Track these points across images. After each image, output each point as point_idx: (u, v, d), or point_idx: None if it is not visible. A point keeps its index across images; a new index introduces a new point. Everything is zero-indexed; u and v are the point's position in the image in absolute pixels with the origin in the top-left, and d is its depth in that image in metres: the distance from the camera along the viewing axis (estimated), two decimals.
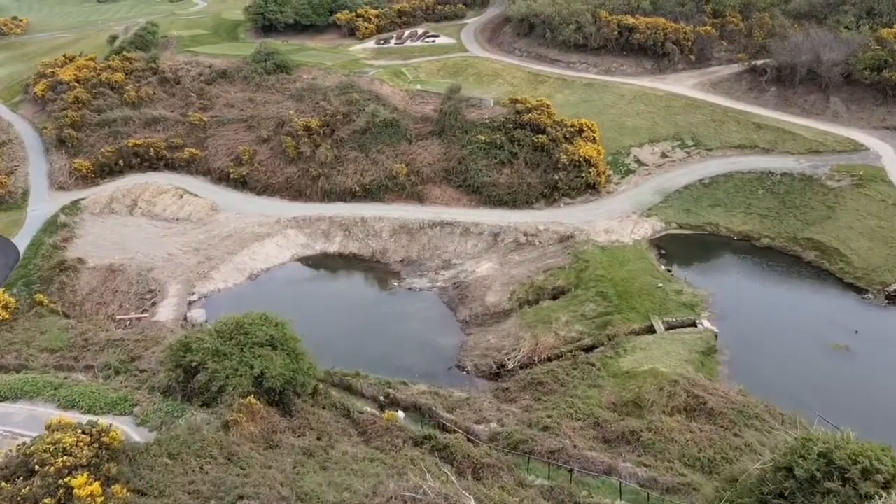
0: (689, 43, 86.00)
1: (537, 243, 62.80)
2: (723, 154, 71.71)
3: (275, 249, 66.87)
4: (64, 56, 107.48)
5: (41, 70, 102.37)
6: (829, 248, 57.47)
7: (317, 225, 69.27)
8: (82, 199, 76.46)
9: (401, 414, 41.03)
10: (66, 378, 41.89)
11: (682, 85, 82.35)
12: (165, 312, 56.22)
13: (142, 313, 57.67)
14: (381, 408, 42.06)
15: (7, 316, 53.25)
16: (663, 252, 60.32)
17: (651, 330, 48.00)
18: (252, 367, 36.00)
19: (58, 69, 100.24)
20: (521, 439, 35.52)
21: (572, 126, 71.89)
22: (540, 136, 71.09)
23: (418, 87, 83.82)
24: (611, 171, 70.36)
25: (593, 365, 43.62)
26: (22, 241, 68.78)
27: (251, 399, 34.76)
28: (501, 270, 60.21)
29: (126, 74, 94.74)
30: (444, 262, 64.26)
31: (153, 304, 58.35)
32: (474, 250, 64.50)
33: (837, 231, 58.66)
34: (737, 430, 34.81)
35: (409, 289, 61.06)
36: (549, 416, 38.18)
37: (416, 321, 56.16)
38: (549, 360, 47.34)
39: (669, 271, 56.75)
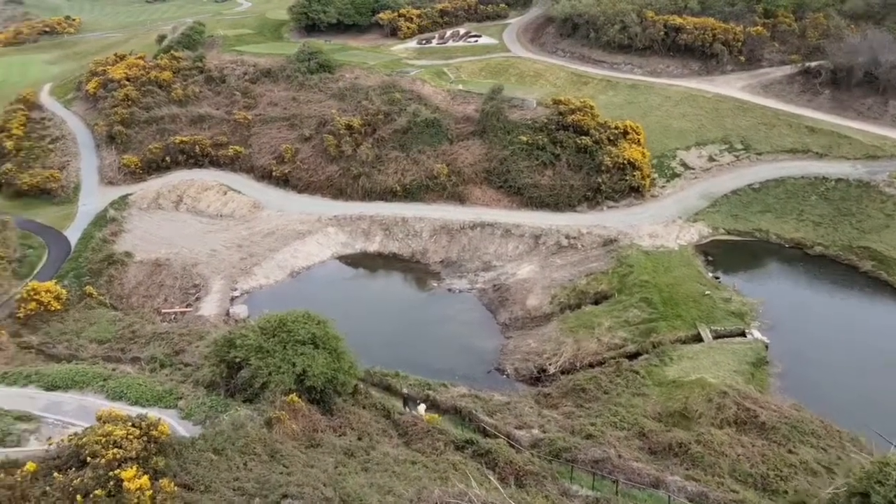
0: (739, 44, 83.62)
1: (579, 247, 61.78)
2: (774, 158, 69.48)
3: (315, 247, 67.29)
4: (115, 55, 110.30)
5: (93, 68, 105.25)
6: (887, 257, 55.09)
7: (357, 224, 69.48)
8: (130, 194, 78.25)
9: (422, 407, 40.91)
10: (114, 369, 42.78)
11: (731, 87, 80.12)
12: (209, 307, 57.03)
13: (186, 307, 58.62)
14: (404, 402, 42.14)
15: (59, 307, 54.66)
16: (710, 258, 58.65)
17: (698, 338, 46.63)
18: (294, 365, 36.08)
19: (109, 67, 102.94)
20: (564, 447, 34.79)
21: (616, 128, 70.61)
22: (583, 137, 70.00)
23: (460, 87, 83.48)
24: (656, 175, 68.83)
25: (637, 373, 42.56)
26: (73, 234, 70.67)
27: (293, 397, 34.85)
28: (542, 273, 59.39)
29: (173, 73, 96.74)
30: (484, 264, 63.74)
31: (197, 299, 59.25)
32: (515, 252, 63.80)
33: None
34: (791, 446, 33.42)
35: (449, 290, 60.70)
36: (592, 424, 37.36)
37: (456, 323, 55.77)
38: (592, 366, 46.42)
39: (717, 278, 55.14)
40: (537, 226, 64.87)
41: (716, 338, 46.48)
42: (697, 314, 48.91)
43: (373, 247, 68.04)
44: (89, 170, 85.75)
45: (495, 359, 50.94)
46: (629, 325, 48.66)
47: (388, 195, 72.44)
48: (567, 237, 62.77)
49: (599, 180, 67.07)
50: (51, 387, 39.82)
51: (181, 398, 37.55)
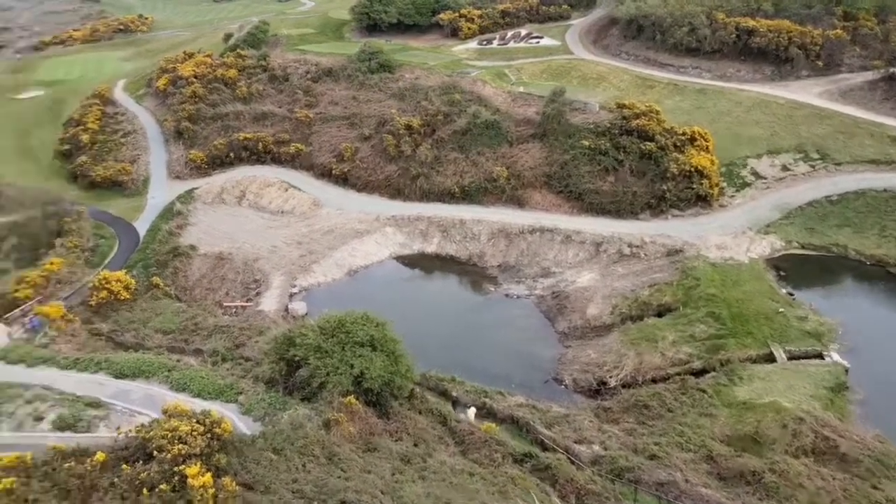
0: (817, 48, 79.68)
1: (642, 256, 59.90)
2: (853, 169, 65.79)
3: (373, 247, 67.48)
4: (184, 53, 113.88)
5: (163, 65, 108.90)
6: None
7: (415, 224, 69.34)
8: (196, 188, 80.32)
9: (472, 411, 40.25)
10: (178, 361, 43.75)
11: (807, 93, 76.37)
12: (268, 303, 57.81)
13: (246, 302, 59.60)
14: (453, 404, 41.88)
15: (128, 296, 56.35)
16: (783, 273, 55.83)
17: (770, 358, 44.34)
18: (352, 367, 36.02)
19: (178, 65, 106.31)
20: (627, 466, 33.51)
21: (683, 134, 68.24)
22: (648, 143, 67.94)
23: (521, 88, 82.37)
24: (724, 184, 66.12)
25: (704, 391, 40.72)
26: (141, 226, 72.93)
27: (350, 399, 34.76)
28: (603, 282, 57.82)
29: (239, 71, 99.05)
30: (542, 270, 62.58)
31: (257, 294, 60.19)
32: (575, 259, 62.40)
33: None
34: (875, 481, 31.22)
35: (506, 295, 59.80)
36: (656, 444, 35.90)
37: (513, 329, 54.86)
38: (654, 381, 44.78)
39: (791, 295, 52.38)
40: (598, 233, 63.27)
41: (790, 358, 44.09)
42: (770, 332, 46.54)
43: (430, 248, 67.77)
44: (158, 164, 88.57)
45: (553, 368, 49.79)
46: (695, 341, 46.71)
47: (446, 196, 72.04)
48: (629, 246, 60.96)
49: (664, 188, 64.90)
50: (119, 375, 41.05)
51: (241, 393, 38.06)
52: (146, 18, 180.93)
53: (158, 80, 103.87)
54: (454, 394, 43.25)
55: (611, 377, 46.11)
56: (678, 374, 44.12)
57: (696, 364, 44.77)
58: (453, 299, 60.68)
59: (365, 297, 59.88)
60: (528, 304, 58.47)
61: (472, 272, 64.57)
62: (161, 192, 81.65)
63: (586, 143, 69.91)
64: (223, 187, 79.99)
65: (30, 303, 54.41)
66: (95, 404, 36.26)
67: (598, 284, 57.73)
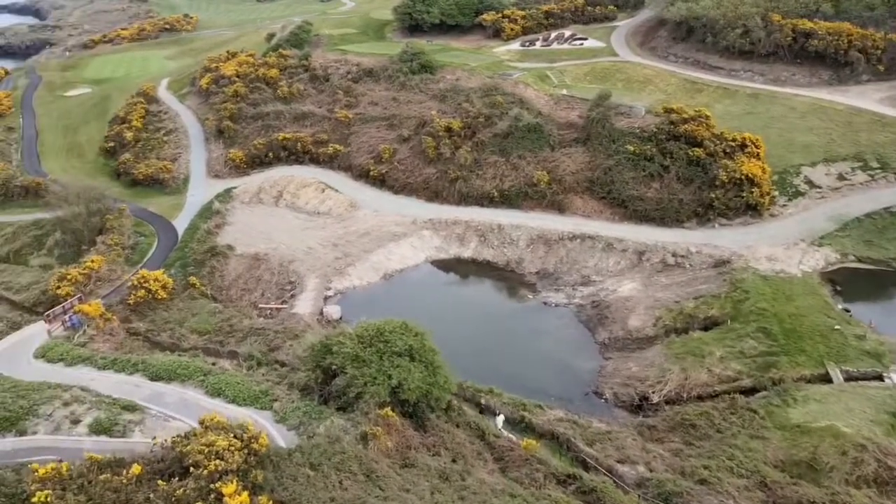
0: (879, 52, 75.93)
1: (687, 266, 57.69)
2: None
3: (409, 250, 66.62)
4: (227, 52, 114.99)
5: (206, 64, 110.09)
6: None
7: (452, 228, 68.24)
8: (234, 187, 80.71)
9: (500, 418, 38.96)
10: (213, 364, 43.53)
11: (868, 99, 72.78)
12: (303, 305, 57.38)
13: (281, 304, 59.33)
14: (480, 411, 40.68)
15: (166, 296, 56.57)
16: (839, 288, 53.03)
17: (826, 379, 41.95)
18: (390, 377, 35.10)
19: (221, 64, 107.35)
20: (675, 491, 31.83)
21: (734, 140, 65.60)
22: (696, 149, 65.56)
23: (564, 91, 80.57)
24: (776, 192, 63.29)
25: (756, 412, 38.63)
26: (181, 224, 73.50)
27: (388, 411, 33.82)
28: (646, 292, 55.83)
29: (280, 71, 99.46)
30: (582, 278, 60.85)
31: (292, 296, 59.87)
32: (616, 268, 60.49)
33: None
34: None
35: (545, 303, 58.26)
36: (705, 468, 34.07)
37: (551, 338, 53.35)
38: (700, 398, 42.81)
39: (847, 311, 49.64)
40: (641, 241, 61.22)
41: (847, 380, 41.65)
42: (825, 351, 44.07)
43: (467, 253, 66.59)
44: (198, 162, 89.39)
45: (593, 380, 48.15)
46: (744, 357, 44.51)
47: (485, 200, 70.77)
48: (674, 255, 58.80)
49: (712, 196, 62.47)
50: (155, 377, 40.97)
51: (276, 400, 37.51)
52: (191, 18, 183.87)
53: (201, 79, 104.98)
54: (482, 401, 41.99)
55: (653, 392, 44.26)
56: (726, 392, 42.03)
57: (746, 382, 42.63)
58: (490, 306, 59.38)
59: (400, 302, 59.15)
60: (566, 313, 56.84)
61: (509, 278, 63.18)
62: (200, 190, 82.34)
63: (631, 148, 67.83)
64: (261, 187, 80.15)
65: (70, 300, 55.03)
66: (131, 407, 36.12)
67: (641, 294, 55.75)
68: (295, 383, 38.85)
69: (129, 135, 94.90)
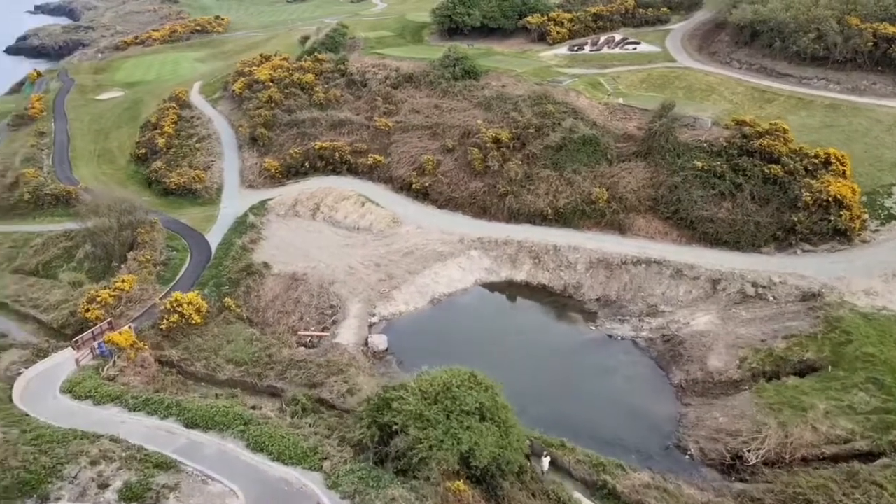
0: None
1: (770, 298, 52.09)
2: None
3: (457, 272, 61.94)
4: (260, 55, 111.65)
5: (239, 68, 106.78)
6: None
7: (503, 249, 63.41)
8: (269, 199, 76.87)
9: (546, 461, 34.18)
10: (253, 408, 39.29)
11: None
12: (346, 334, 52.99)
13: (322, 331, 55.08)
14: (527, 455, 35.62)
15: (200, 321, 52.71)
16: None
17: None
18: (459, 441, 30.42)
19: (254, 68, 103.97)
20: None
21: (816, 156, 59.78)
22: (772, 166, 59.88)
23: (620, 100, 75.19)
24: (866, 215, 57.32)
25: (882, 487, 33.13)
26: (214, 238, 69.83)
27: (459, 484, 29.13)
28: (724, 327, 50.37)
29: (316, 75, 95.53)
30: (649, 308, 55.59)
31: (334, 322, 55.55)
32: (687, 297, 55.09)
33: None
34: None
35: (609, 335, 53.14)
36: None
37: (620, 378, 48.26)
38: (805, 460, 37.44)
39: None
40: (715, 268, 55.73)
41: None
42: None
43: (520, 276, 61.73)
44: (231, 171, 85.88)
45: (672, 430, 42.98)
46: (855, 414, 38.97)
47: (537, 218, 65.84)
48: (754, 285, 53.22)
49: (794, 218, 56.73)
50: (191, 423, 36.99)
51: (326, 458, 33.06)
52: (222, 20, 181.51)
53: (234, 84, 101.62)
54: (528, 441, 37.06)
55: (749, 451, 38.90)
56: (837, 455, 36.56)
57: (861, 444, 37.10)
58: (548, 337, 54.35)
59: (450, 332, 54.57)
60: (634, 348, 51.64)
61: (567, 305, 58.19)
62: (234, 201, 78.74)
63: (699, 163, 62.35)
64: (297, 199, 76.19)
65: (100, 325, 51.47)
66: (165, 465, 31.97)
67: (719, 330, 50.30)
68: (347, 438, 34.34)
69: (161, 141, 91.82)
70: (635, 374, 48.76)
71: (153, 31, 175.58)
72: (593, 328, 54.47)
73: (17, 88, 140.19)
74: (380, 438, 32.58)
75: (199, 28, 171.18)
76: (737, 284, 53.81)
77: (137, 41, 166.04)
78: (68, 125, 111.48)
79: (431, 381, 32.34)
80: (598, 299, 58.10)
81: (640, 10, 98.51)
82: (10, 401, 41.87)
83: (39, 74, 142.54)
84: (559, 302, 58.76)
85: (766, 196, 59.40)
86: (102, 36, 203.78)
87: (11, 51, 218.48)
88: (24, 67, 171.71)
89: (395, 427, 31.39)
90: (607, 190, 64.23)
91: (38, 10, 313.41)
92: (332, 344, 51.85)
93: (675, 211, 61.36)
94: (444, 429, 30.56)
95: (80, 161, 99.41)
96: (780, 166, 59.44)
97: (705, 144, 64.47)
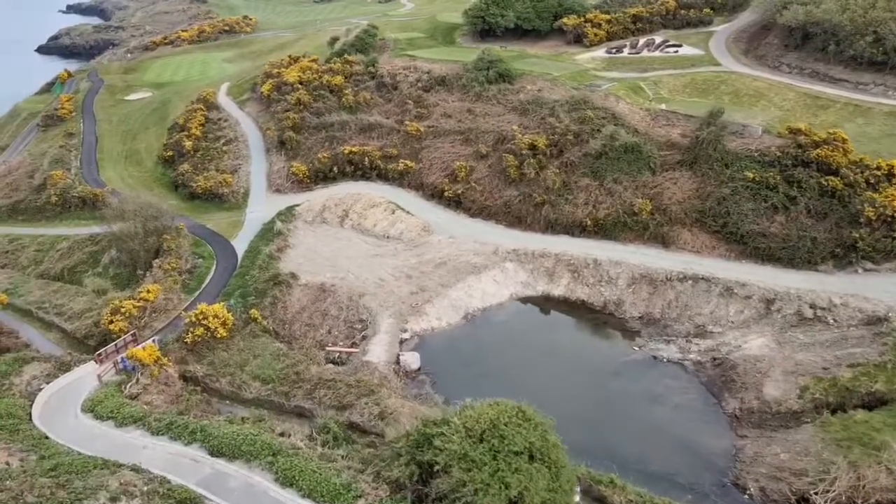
0: None
1: (831, 321, 48.51)
2: None
3: (492, 285, 59.25)
4: (289, 57, 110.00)
5: (268, 70, 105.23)
6: None
7: (540, 261, 60.56)
8: (297, 205, 74.95)
9: (577, 494, 31.08)
10: (282, 437, 36.97)
11: None
12: (377, 351, 50.63)
13: (351, 346, 52.80)
14: None
15: (225, 334, 50.78)
16: None
17: None
18: (507, 486, 27.72)
19: (283, 70, 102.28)
20: None
21: (878, 168, 55.96)
22: (830, 178, 56.22)
23: (662, 106, 71.77)
24: None
25: None
26: (240, 245, 68.13)
27: None
28: (781, 352, 46.97)
29: (345, 78, 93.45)
30: (696, 328, 52.35)
31: (363, 337, 53.23)
32: (738, 318, 51.71)
33: None
34: None
35: (654, 357, 50.03)
36: None
37: (667, 405, 45.17)
38: None
39: None
40: (768, 286, 52.25)
41: None
42: None
43: (557, 290, 58.84)
44: (258, 175, 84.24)
45: (728, 465, 39.88)
46: None
47: (576, 229, 62.91)
48: (812, 306, 49.66)
49: (855, 235, 53.01)
50: (216, 451, 34.94)
51: (361, 496, 30.62)
52: (250, 20, 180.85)
53: (262, 86, 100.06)
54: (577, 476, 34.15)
55: (816, 493, 35.64)
56: None
57: None
58: (589, 358, 51.45)
59: (486, 351, 51.93)
60: (682, 372, 48.49)
61: (608, 323, 55.20)
62: (261, 206, 77.01)
63: (750, 174, 58.86)
64: (325, 205, 74.15)
65: (123, 338, 49.80)
66: (188, 501, 29.72)
67: (775, 354, 46.92)
68: (382, 475, 31.84)
69: (188, 144, 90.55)
70: (685, 400, 45.63)
71: (182, 31, 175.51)
72: (637, 349, 51.40)
73: (48, 88, 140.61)
74: (419, 477, 30.07)
75: (227, 28, 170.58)
76: (793, 305, 50.32)
77: (166, 41, 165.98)
78: (97, 126, 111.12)
79: (477, 418, 29.66)
80: (640, 317, 55.00)
81: (682, 11, 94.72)
82: (30, 419, 40.29)
83: (70, 75, 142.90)
84: (599, 319, 55.79)
85: (823, 210, 55.73)
86: (132, 36, 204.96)
87: (43, 50, 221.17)
88: (56, 67, 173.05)
89: (436, 467, 28.84)
90: (650, 201, 60.99)
91: (70, 9, 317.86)
92: (362, 362, 49.54)
93: (724, 224, 57.93)
94: (491, 471, 27.94)
95: (108, 162, 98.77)
96: (838, 178, 55.78)
97: (756, 154, 60.94)
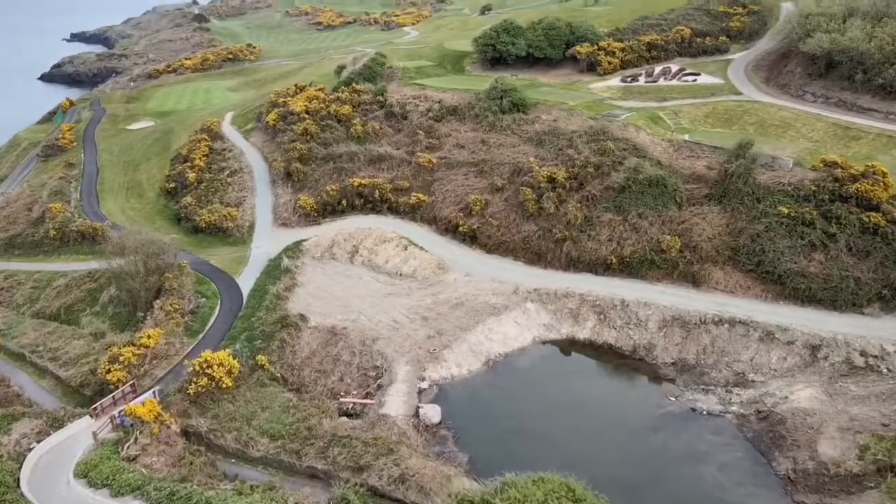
0: None
1: (884, 371, 45.10)
2: None
3: (513, 328, 55.87)
4: (295, 86, 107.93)
5: (273, 99, 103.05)
6: None
7: (563, 302, 57.26)
8: (304, 239, 71.93)
9: None
10: None
11: None
12: (394, 403, 47.05)
13: (366, 396, 49.28)
14: None
15: (230, 384, 47.25)
16: None
17: None
18: None
19: (289, 99, 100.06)
20: None
21: None
22: (872, 214, 53.23)
23: (685, 136, 69.11)
24: None
25: None
26: (245, 283, 65.03)
27: None
28: (832, 405, 43.46)
29: (353, 107, 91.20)
30: (735, 376, 48.87)
31: (379, 387, 49.72)
32: (781, 366, 48.26)
33: None
34: None
35: (693, 409, 46.43)
36: None
37: (712, 464, 41.46)
38: None
39: None
40: (812, 331, 48.91)
41: None
42: None
43: (583, 333, 55.43)
44: (264, 208, 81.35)
45: None
46: None
47: (600, 267, 59.77)
48: (862, 354, 46.31)
49: None
50: None
51: None
52: (254, 48, 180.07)
53: (268, 115, 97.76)
54: None
55: None
56: None
57: None
58: (623, 410, 47.80)
59: (509, 401, 48.33)
60: (724, 425, 44.90)
61: (639, 369, 51.72)
62: (266, 241, 73.99)
63: (784, 209, 55.89)
64: (334, 240, 71.11)
65: (121, 389, 46.32)
66: None
67: (826, 408, 43.39)
68: None
69: (191, 175, 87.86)
70: (731, 459, 41.95)
71: (185, 59, 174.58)
72: (673, 399, 47.82)
73: (49, 117, 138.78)
74: None
75: (230, 56, 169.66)
76: (841, 352, 46.94)
77: (170, 69, 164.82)
78: (98, 156, 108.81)
79: (522, 500, 26.08)
80: (674, 363, 51.54)
81: (698, 39, 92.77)
82: (18, 486, 36.64)
83: (72, 103, 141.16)
84: (629, 365, 52.31)
85: (865, 248, 52.60)
86: (135, 64, 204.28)
87: (46, 78, 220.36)
88: (58, 95, 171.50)
89: None
90: (679, 238, 57.88)
91: (74, 38, 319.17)
92: (378, 415, 45.97)
93: (759, 263, 54.75)
94: None
95: (108, 194, 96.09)
96: (880, 214, 52.79)
97: (789, 188, 58.06)
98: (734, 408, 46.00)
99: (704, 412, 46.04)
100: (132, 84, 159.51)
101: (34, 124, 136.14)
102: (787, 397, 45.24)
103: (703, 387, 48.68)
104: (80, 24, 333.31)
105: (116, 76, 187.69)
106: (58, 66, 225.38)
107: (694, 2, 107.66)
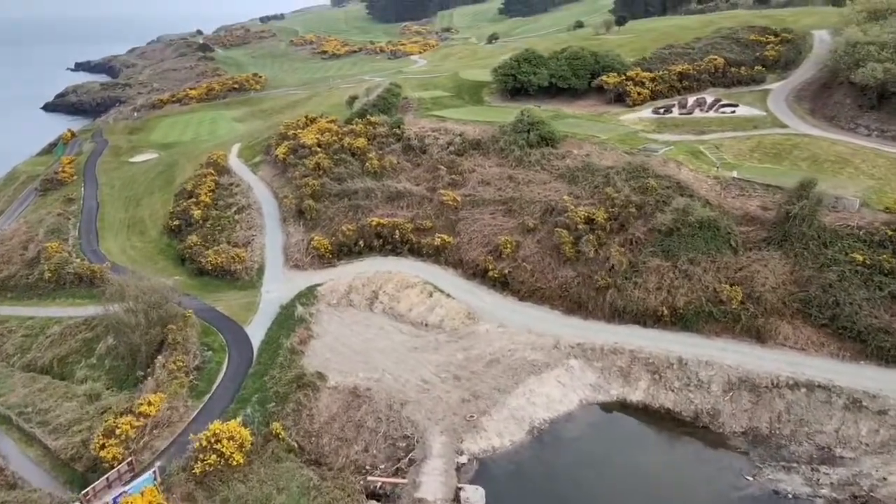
0: None
1: None
2: None
3: (557, 389, 49.90)
4: (305, 117, 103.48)
5: (283, 131, 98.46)
6: None
7: (611, 359, 51.39)
8: (318, 284, 66.21)
9: None
10: None
11: None
12: (430, 484, 40.85)
13: (395, 473, 43.09)
14: None
15: (242, 460, 41.20)
16: None
17: None
18: None
19: (299, 131, 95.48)
20: None
21: None
22: None
23: (734, 173, 63.90)
24: None
25: None
26: (255, 333, 59.28)
27: None
28: None
29: (369, 140, 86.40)
30: (820, 451, 42.79)
31: (411, 462, 43.53)
32: (874, 440, 42.20)
33: None
34: None
35: (775, 491, 40.23)
36: None
37: None
38: None
39: None
40: None
41: None
42: None
43: (635, 395, 49.44)
44: (274, 247, 75.84)
45: None
46: None
47: (649, 319, 53.98)
48: None
49: None
50: None
51: None
52: (260, 77, 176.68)
53: (277, 148, 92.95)
54: None
55: None
56: None
57: None
58: (691, 489, 41.56)
59: (560, 479, 42.16)
60: None
61: (704, 440, 45.57)
62: (277, 284, 68.29)
63: (858, 256, 50.36)
64: (351, 285, 65.42)
65: (117, 469, 40.24)
66: None
67: None
68: None
69: (196, 213, 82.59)
70: None
71: (190, 88, 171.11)
72: (750, 479, 41.59)
73: (50, 149, 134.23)
74: None
75: (236, 86, 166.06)
76: None
77: (174, 99, 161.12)
78: (98, 191, 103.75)
79: None
80: (744, 433, 45.44)
81: (732, 68, 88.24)
82: None
83: (73, 135, 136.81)
84: (693, 434, 46.17)
85: None
86: (139, 93, 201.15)
87: (49, 107, 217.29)
88: (61, 125, 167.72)
89: None
90: (740, 287, 52.18)
91: (79, 67, 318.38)
92: (413, 499, 39.79)
93: (833, 317, 48.98)
94: None
95: (109, 232, 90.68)
96: None
97: (859, 231, 52.63)
98: (824, 490, 39.80)
99: (791, 496, 39.83)
100: (135, 114, 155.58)
101: (34, 156, 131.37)
102: (885, 479, 39.13)
103: (783, 463, 42.51)
104: (86, 53, 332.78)
105: (120, 105, 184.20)
106: (61, 95, 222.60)
107: (722, 31, 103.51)
